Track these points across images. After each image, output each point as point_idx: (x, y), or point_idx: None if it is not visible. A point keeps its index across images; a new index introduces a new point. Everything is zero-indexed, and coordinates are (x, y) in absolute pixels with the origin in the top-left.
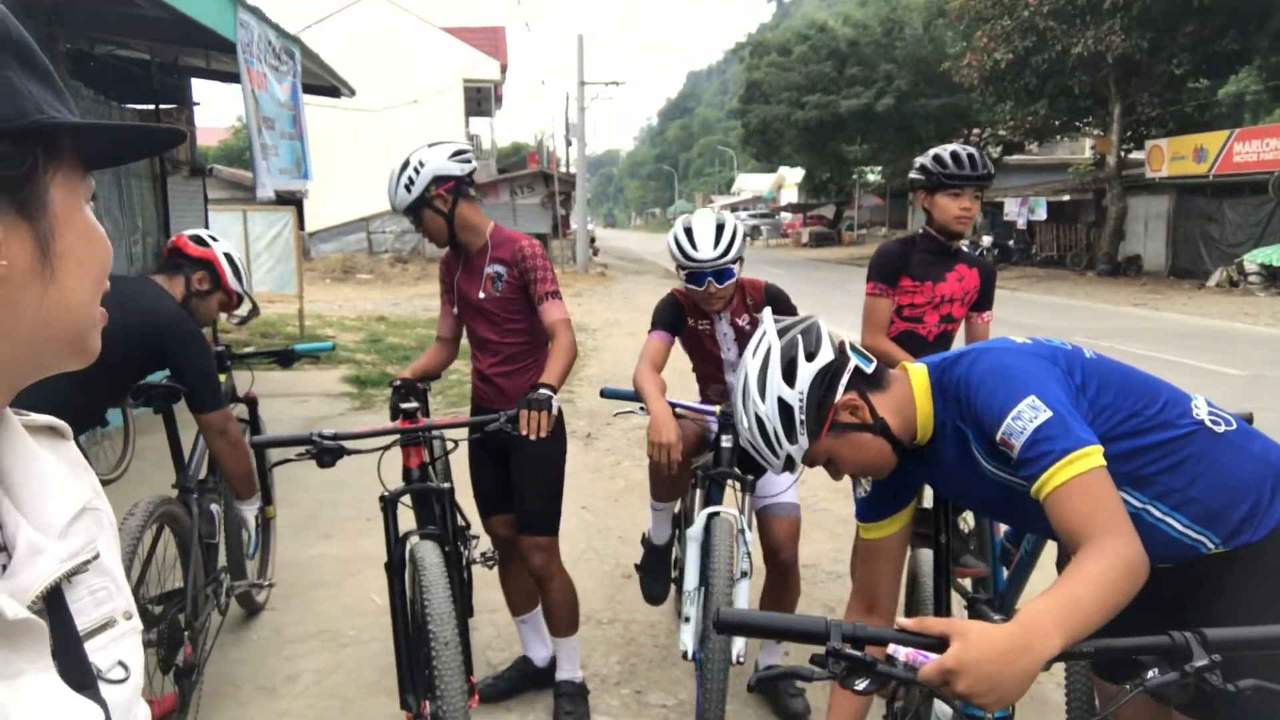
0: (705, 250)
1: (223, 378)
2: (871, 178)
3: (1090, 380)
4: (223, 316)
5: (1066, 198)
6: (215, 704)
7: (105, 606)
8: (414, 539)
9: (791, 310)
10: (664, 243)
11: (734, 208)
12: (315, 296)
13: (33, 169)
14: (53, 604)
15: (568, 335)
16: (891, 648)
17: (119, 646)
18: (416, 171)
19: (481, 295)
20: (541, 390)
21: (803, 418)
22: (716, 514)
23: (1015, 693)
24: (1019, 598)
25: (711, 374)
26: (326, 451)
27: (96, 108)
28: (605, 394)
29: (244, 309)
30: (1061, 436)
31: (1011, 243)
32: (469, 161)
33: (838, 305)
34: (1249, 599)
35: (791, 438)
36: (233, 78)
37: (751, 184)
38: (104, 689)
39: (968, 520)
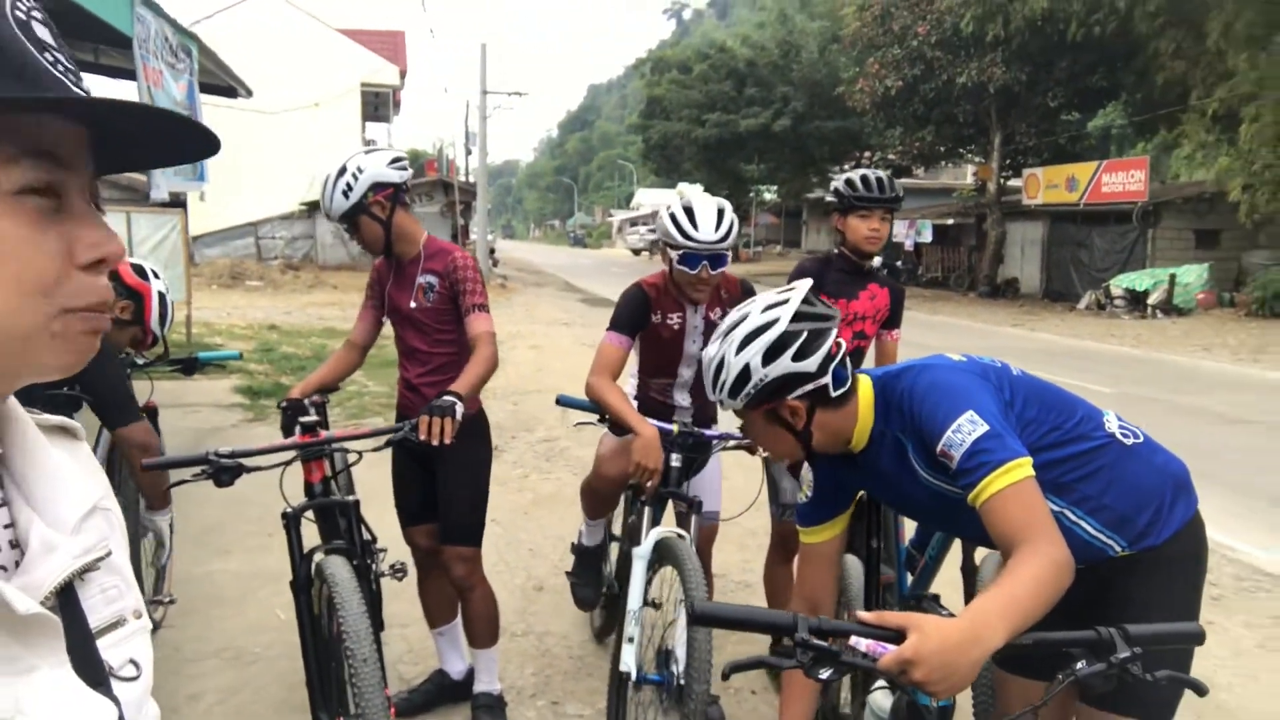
0: (707, 232)
1: None
2: (768, 196)
3: (1017, 396)
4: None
5: (950, 221)
6: None
7: (116, 605)
8: (320, 554)
9: None
10: (563, 256)
11: (634, 222)
12: (202, 303)
13: None
14: (65, 601)
15: (489, 348)
16: (854, 639)
17: (130, 644)
18: (355, 177)
19: (413, 305)
20: (446, 397)
21: (752, 391)
22: (665, 535)
23: (965, 681)
24: None
25: (663, 367)
26: (224, 470)
27: None
28: (561, 401)
29: (154, 351)
30: (997, 449)
31: (900, 264)
32: (406, 169)
33: None
34: (1155, 599)
35: (734, 396)
36: (122, 73)
37: (651, 199)
38: (116, 686)
39: None
